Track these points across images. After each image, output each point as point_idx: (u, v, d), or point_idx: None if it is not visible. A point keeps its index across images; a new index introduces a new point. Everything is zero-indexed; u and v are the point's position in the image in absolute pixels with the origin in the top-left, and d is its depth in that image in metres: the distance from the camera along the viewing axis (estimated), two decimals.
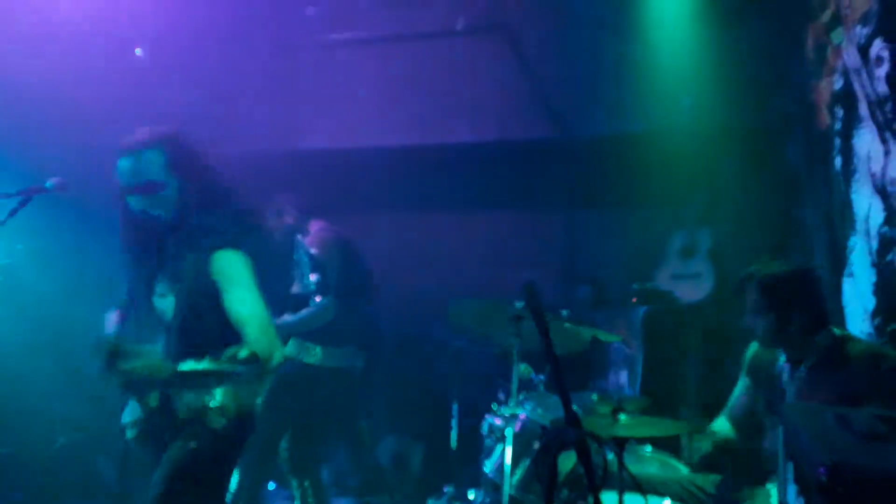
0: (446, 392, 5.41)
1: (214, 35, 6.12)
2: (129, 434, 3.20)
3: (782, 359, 3.61)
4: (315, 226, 5.06)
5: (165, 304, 3.18)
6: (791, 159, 5.61)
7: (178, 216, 3.19)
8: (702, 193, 5.89)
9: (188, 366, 2.89)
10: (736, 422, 3.83)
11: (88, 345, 3.00)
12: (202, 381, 2.96)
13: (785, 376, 3.57)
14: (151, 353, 3.10)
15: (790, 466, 3.28)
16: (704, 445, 3.76)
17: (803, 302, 3.47)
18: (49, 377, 5.77)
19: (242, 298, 3.05)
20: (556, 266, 6.68)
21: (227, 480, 3.31)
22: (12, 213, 3.38)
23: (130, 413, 3.22)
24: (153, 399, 3.11)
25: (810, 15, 5.25)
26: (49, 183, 3.37)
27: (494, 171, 6.70)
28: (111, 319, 3.32)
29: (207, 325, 3.07)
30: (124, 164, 3.20)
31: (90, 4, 5.70)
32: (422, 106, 6.62)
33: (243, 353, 2.86)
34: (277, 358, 3.02)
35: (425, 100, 6.59)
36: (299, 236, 5.00)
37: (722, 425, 3.86)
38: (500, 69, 6.45)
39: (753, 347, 3.79)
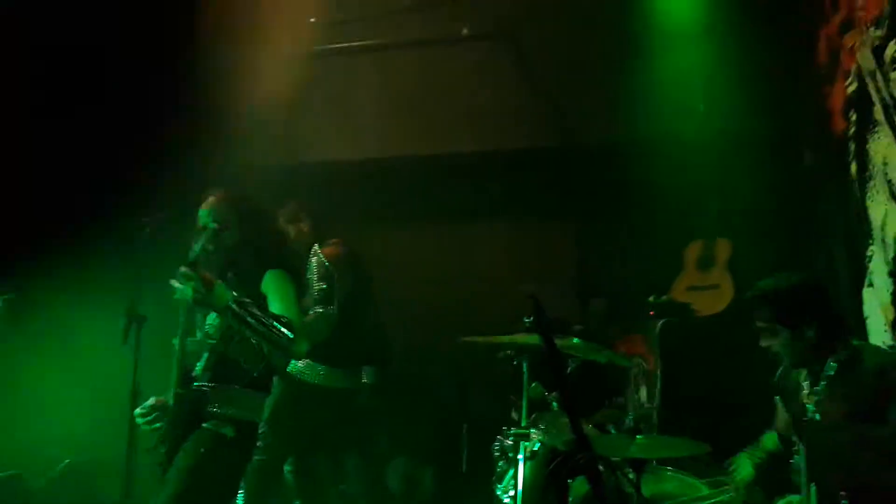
0: (456, 412, 5.35)
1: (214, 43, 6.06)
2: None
3: (803, 373, 3.56)
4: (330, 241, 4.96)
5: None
6: (807, 166, 5.54)
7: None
8: (717, 202, 5.80)
9: (244, 303, 3.28)
10: (781, 436, 3.80)
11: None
12: (250, 320, 3.28)
13: (806, 390, 3.53)
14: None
15: (813, 488, 3.27)
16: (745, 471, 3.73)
17: (813, 313, 3.43)
18: (53, 398, 5.72)
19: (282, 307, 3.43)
20: (567, 278, 6.58)
21: (235, 487, 3.59)
22: None
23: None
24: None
25: (822, 18, 5.22)
26: None
27: (501, 181, 6.62)
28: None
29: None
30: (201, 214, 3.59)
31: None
32: (425, 115, 6.55)
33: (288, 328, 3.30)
34: (303, 345, 3.43)
35: (428, 109, 6.53)
36: (315, 247, 4.89)
37: (770, 439, 3.82)
38: (507, 77, 6.40)
39: (780, 370, 3.75)
